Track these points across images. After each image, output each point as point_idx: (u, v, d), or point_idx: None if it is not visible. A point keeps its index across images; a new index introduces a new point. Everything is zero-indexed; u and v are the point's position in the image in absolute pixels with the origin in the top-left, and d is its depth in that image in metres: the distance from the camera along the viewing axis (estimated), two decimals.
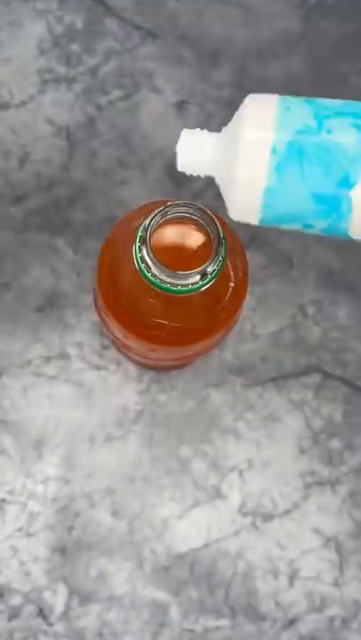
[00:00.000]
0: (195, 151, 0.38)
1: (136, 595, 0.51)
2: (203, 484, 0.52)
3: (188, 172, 0.40)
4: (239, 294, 0.43)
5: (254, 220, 0.38)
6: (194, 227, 0.39)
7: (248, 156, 0.37)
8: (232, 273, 0.42)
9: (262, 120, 0.37)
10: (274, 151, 0.36)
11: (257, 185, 0.37)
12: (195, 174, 0.39)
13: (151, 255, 0.38)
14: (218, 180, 0.39)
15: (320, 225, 0.36)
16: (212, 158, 0.38)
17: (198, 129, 0.39)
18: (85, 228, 0.54)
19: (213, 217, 0.38)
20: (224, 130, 0.39)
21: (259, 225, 0.39)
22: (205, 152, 0.38)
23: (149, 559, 0.51)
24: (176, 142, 0.54)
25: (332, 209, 0.36)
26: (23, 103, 0.55)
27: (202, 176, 0.39)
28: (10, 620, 0.51)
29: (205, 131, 0.39)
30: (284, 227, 0.38)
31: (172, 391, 0.53)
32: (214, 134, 0.39)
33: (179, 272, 0.38)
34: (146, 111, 0.55)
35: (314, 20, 0.56)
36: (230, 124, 0.39)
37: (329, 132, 0.36)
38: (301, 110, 0.37)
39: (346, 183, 0.35)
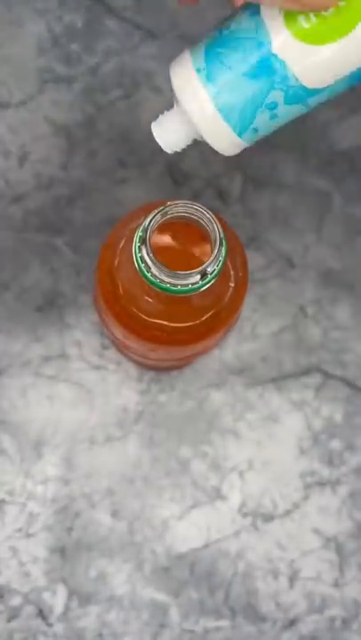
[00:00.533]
0: (168, 132, 0.41)
1: (136, 595, 0.51)
2: (203, 485, 0.52)
3: (178, 149, 0.42)
4: (239, 294, 0.43)
5: (237, 141, 0.40)
6: (194, 227, 0.39)
7: (187, 93, 0.40)
8: (232, 273, 0.42)
9: (181, 61, 0.41)
10: (198, 70, 0.39)
11: (207, 108, 0.39)
12: (183, 146, 0.41)
13: (151, 255, 0.38)
14: (199, 138, 0.41)
15: (278, 97, 0.38)
16: (179, 128, 0.41)
17: (160, 115, 0.42)
18: (85, 228, 0.54)
19: (213, 217, 0.38)
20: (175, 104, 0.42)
21: (248, 143, 0.41)
22: (173, 127, 0.41)
23: (149, 560, 0.51)
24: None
25: (270, 72, 0.38)
26: (23, 103, 0.55)
27: (189, 142, 0.41)
28: (9, 620, 0.51)
29: (165, 112, 0.41)
30: (263, 129, 0.40)
31: (172, 391, 0.53)
32: (170, 110, 0.41)
33: (179, 272, 0.38)
34: (146, 111, 0.55)
35: None
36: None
37: (228, 27, 0.40)
38: (207, 35, 0.41)
39: (262, 47, 0.38)
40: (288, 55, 0.38)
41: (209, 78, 0.39)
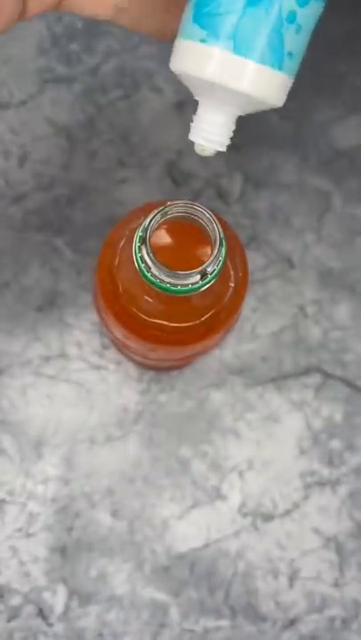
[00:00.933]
0: (212, 132, 0.38)
1: (136, 595, 0.51)
2: (203, 485, 0.52)
3: (227, 143, 0.39)
4: (239, 294, 0.43)
5: (283, 78, 0.37)
6: (194, 227, 0.39)
7: (214, 71, 0.37)
8: (232, 273, 0.42)
9: (180, 51, 0.38)
10: (203, 41, 0.37)
11: (242, 65, 0.37)
12: (231, 135, 0.39)
13: (151, 255, 0.38)
14: (244, 112, 0.38)
15: (290, 4, 0.36)
16: (221, 118, 0.38)
17: (192, 124, 0.39)
18: (85, 228, 0.54)
19: (213, 217, 0.38)
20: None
21: (292, 75, 0.38)
22: (215, 122, 0.38)
23: (149, 559, 0.51)
24: (176, 142, 0.54)
25: None
26: (23, 103, 0.55)
27: (234, 127, 0.38)
28: (9, 620, 0.51)
29: (194, 119, 0.39)
30: (296, 49, 0.36)
31: (172, 391, 0.53)
32: (199, 112, 0.39)
33: (179, 272, 0.38)
34: (146, 111, 0.55)
35: None
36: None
37: None
38: (183, 14, 0.39)
39: None
40: None
41: (219, 38, 0.36)
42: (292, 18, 0.37)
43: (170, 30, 0.40)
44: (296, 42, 0.38)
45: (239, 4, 0.36)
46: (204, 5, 0.37)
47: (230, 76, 0.37)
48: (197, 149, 0.39)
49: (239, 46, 0.36)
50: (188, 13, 0.38)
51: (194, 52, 0.37)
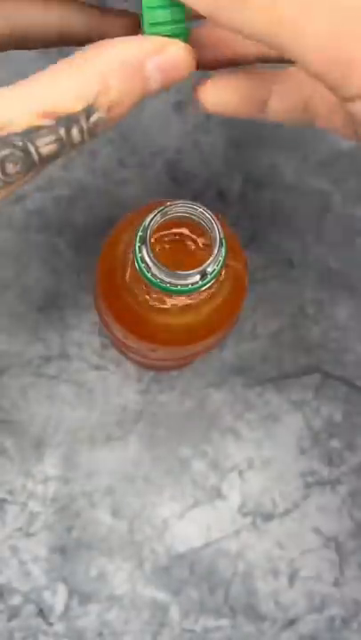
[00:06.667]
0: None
1: (136, 595, 0.51)
2: (203, 484, 0.52)
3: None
4: (239, 294, 0.43)
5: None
6: (194, 227, 0.39)
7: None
8: (232, 273, 0.42)
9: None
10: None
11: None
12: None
13: (151, 255, 0.38)
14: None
15: None
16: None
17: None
18: (85, 228, 0.54)
19: (213, 217, 0.38)
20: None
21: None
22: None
23: (149, 559, 0.51)
24: (176, 142, 0.54)
25: None
26: None
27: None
28: (9, 619, 0.51)
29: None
30: None
31: (172, 391, 0.53)
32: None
33: (179, 272, 0.38)
34: (146, 111, 0.55)
35: None
36: None
37: None
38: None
39: None
40: None
41: None
42: None
43: None
44: None
45: None
46: None
47: None
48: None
49: None
50: None
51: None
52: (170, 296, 0.39)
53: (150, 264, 0.38)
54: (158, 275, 0.38)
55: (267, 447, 0.52)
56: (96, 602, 0.51)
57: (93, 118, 0.27)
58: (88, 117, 0.27)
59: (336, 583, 0.51)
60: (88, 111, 0.27)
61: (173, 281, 0.38)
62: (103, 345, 0.53)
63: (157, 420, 0.52)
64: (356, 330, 0.54)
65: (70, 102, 0.27)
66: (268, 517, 0.52)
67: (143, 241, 0.38)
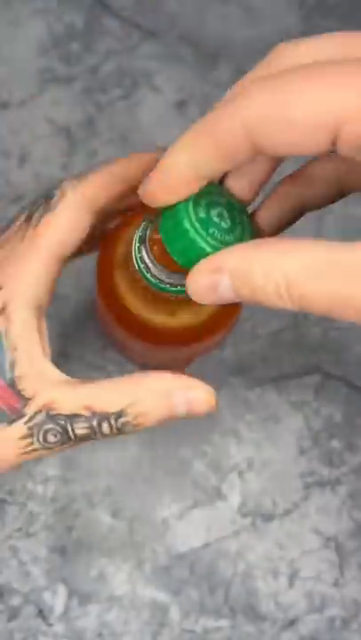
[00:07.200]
0: None
1: (136, 595, 0.51)
2: (203, 485, 0.52)
3: None
4: None
5: None
6: None
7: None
8: None
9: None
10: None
11: None
12: None
13: (150, 255, 0.38)
14: None
15: None
16: None
17: None
18: None
19: None
20: None
21: None
22: None
23: (149, 559, 0.51)
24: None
25: None
26: (23, 103, 0.55)
27: None
28: (9, 620, 0.51)
29: None
30: None
31: None
32: None
33: (178, 272, 0.38)
34: (146, 111, 0.55)
35: (314, 20, 0.56)
36: None
37: None
38: None
39: None
40: None
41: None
42: None
43: None
44: None
45: None
46: None
47: None
48: None
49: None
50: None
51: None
52: (169, 296, 0.39)
53: (150, 264, 0.38)
54: (158, 275, 0.38)
55: (267, 448, 0.52)
56: (96, 602, 0.51)
57: (121, 421, 0.34)
58: (117, 419, 0.34)
59: (336, 583, 0.51)
60: (118, 414, 0.34)
61: (173, 281, 0.38)
62: (103, 345, 0.53)
63: None
64: (356, 330, 0.54)
65: (107, 406, 0.34)
66: (269, 518, 0.52)
67: (142, 241, 0.38)
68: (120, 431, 0.34)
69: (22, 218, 0.37)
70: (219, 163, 0.31)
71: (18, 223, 0.37)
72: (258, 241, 0.31)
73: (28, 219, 0.36)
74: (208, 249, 0.34)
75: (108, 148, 0.54)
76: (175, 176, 0.32)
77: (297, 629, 0.51)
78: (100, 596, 0.51)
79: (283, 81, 0.29)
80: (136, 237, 0.38)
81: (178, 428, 0.52)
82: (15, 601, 0.51)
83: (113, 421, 0.34)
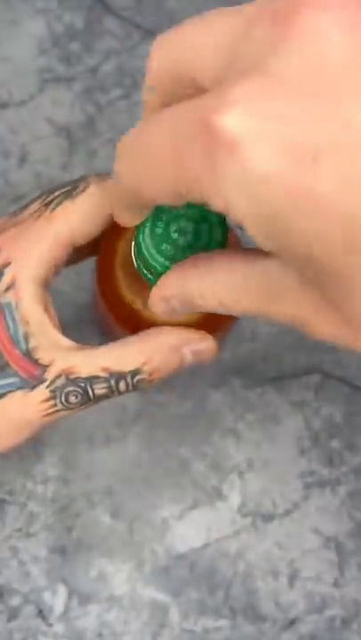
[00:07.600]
0: None
1: (136, 595, 0.51)
2: (203, 485, 0.52)
3: None
4: None
5: None
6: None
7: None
8: None
9: None
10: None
11: None
12: None
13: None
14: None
15: None
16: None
17: None
18: None
19: None
20: None
21: None
22: None
23: (149, 559, 0.51)
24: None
25: None
26: (23, 102, 0.55)
27: None
28: (9, 620, 0.51)
29: None
30: None
31: (172, 392, 0.53)
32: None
33: None
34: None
35: None
36: None
37: None
38: None
39: None
40: None
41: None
42: None
43: None
44: None
45: None
46: None
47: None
48: None
49: None
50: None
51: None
52: None
53: None
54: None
55: (267, 448, 0.52)
56: (96, 602, 0.51)
57: (137, 378, 0.36)
58: (133, 377, 0.36)
59: (336, 583, 0.51)
60: (134, 372, 0.36)
61: None
62: (103, 343, 0.53)
63: (157, 420, 0.52)
64: None
65: (123, 365, 0.36)
66: (268, 518, 0.52)
67: None
68: (135, 388, 0.36)
69: (39, 201, 0.38)
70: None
71: (34, 205, 0.38)
72: (189, 261, 0.33)
73: (48, 203, 0.37)
74: (157, 266, 0.35)
75: (108, 147, 0.54)
76: (117, 207, 0.33)
77: (297, 629, 0.51)
78: (100, 596, 0.51)
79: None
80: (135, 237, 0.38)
81: (177, 428, 0.52)
82: (15, 601, 0.51)
83: (129, 379, 0.36)
